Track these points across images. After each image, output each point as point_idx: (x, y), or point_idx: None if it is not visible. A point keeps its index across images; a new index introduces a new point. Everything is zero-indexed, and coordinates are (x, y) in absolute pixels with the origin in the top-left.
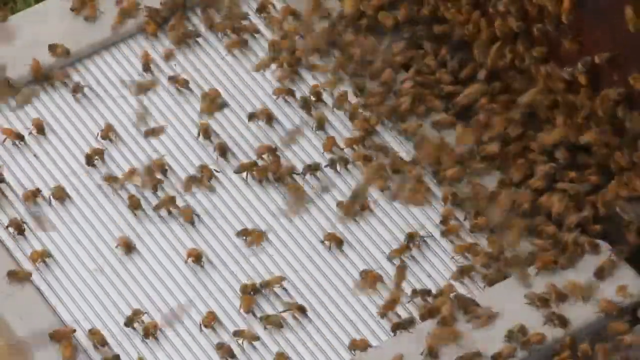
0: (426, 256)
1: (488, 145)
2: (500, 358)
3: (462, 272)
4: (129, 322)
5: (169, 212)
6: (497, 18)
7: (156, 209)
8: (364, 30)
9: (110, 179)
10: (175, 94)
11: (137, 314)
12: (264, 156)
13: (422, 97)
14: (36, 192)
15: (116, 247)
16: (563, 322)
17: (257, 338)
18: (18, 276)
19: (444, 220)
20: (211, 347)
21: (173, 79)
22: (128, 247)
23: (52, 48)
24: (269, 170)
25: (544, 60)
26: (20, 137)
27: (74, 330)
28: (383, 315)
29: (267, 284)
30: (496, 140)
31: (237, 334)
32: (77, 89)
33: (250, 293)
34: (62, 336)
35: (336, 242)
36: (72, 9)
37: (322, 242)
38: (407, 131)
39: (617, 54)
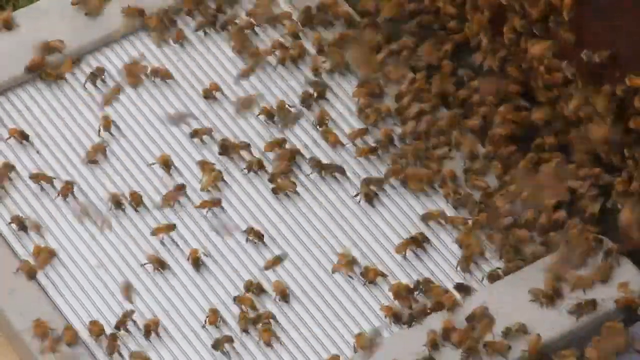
0: (429, 254)
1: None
2: (490, 347)
3: (466, 261)
4: (119, 325)
5: (172, 206)
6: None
7: (164, 200)
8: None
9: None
10: (179, 91)
11: (127, 315)
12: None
13: (421, 98)
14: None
15: (143, 265)
16: (593, 305)
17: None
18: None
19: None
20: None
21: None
22: (161, 264)
23: (45, 46)
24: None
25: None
26: (25, 136)
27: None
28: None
29: (280, 294)
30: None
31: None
32: (94, 77)
33: (253, 291)
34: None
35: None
36: (73, 4)
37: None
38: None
39: (616, 52)
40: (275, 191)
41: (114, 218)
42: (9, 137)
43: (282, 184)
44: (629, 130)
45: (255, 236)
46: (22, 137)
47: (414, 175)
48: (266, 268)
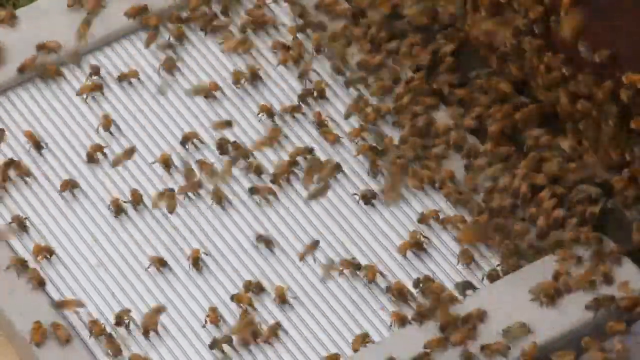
0: (430, 254)
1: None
2: (488, 349)
3: (465, 255)
4: (117, 322)
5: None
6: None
7: (181, 190)
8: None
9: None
10: (179, 90)
11: (125, 312)
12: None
13: (420, 100)
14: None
15: (148, 268)
16: (611, 300)
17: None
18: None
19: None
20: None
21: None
22: (163, 264)
23: (41, 47)
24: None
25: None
26: (37, 143)
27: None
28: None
29: (280, 296)
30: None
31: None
32: (95, 72)
33: (253, 291)
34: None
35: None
36: (68, 5)
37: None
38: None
39: (616, 52)
40: (252, 191)
41: (117, 222)
42: (27, 140)
43: (259, 187)
44: (630, 131)
45: (264, 243)
46: (34, 142)
47: (412, 176)
48: (302, 257)
